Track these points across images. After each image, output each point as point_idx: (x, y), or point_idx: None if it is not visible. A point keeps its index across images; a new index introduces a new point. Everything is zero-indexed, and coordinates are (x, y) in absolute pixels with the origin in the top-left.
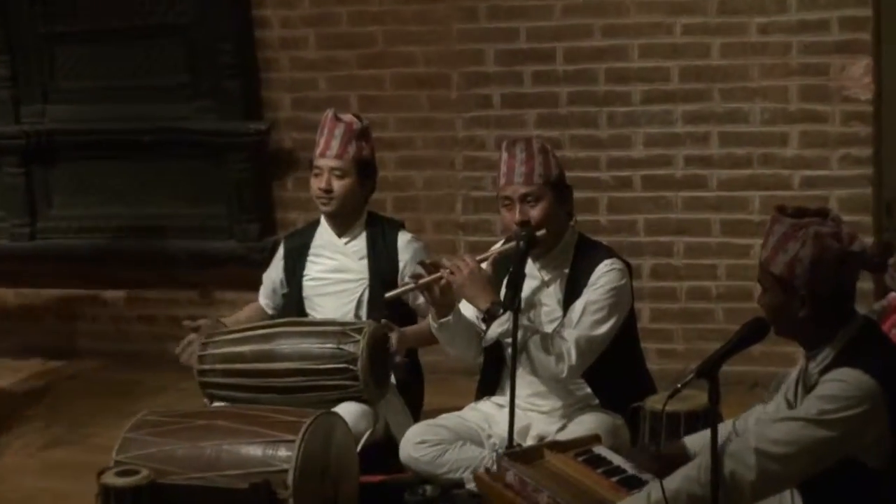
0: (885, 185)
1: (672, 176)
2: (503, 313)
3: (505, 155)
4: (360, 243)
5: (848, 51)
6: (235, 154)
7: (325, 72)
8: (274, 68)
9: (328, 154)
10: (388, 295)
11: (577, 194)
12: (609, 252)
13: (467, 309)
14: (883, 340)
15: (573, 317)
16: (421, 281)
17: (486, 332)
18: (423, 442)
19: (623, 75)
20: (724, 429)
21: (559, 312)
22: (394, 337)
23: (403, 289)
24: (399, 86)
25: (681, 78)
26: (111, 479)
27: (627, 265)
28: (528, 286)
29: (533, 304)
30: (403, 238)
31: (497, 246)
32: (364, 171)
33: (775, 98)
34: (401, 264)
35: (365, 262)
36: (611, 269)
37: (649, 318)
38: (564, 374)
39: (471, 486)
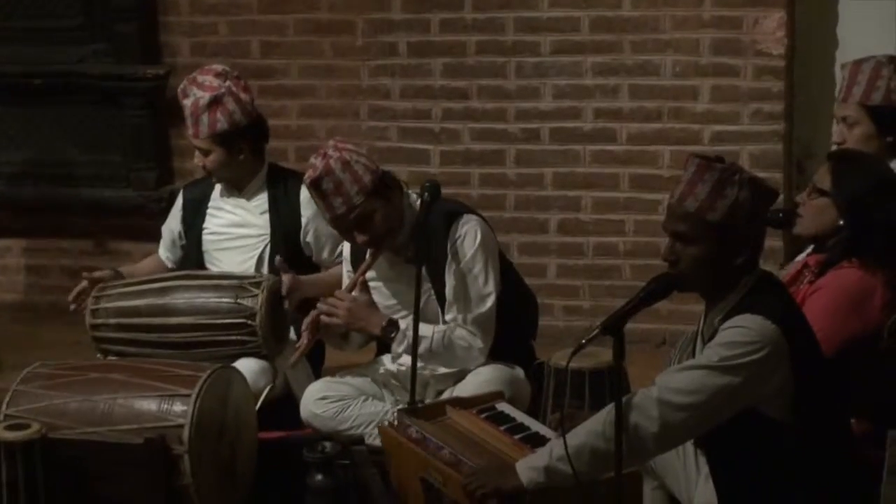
0: (797, 142)
1: (581, 129)
2: (394, 335)
3: (319, 187)
4: (261, 198)
5: (761, 4)
6: (132, 99)
7: (226, 16)
8: (173, 11)
9: (189, 132)
10: (291, 362)
11: (484, 146)
12: (454, 212)
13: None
14: (781, 289)
15: (456, 300)
16: (313, 337)
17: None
18: (324, 398)
19: (532, 25)
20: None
21: (428, 284)
22: (286, 279)
23: (301, 351)
24: (302, 31)
25: (591, 29)
26: (1, 433)
27: (476, 214)
28: (391, 271)
29: (401, 282)
30: (306, 192)
31: (363, 266)
32: (226, 140)
33: (687, 51)
34: (303, 220)
35: (266, 217)
36: (464, 233)
37: (556, 274)
38: (481, 358)
39: (371, 440)
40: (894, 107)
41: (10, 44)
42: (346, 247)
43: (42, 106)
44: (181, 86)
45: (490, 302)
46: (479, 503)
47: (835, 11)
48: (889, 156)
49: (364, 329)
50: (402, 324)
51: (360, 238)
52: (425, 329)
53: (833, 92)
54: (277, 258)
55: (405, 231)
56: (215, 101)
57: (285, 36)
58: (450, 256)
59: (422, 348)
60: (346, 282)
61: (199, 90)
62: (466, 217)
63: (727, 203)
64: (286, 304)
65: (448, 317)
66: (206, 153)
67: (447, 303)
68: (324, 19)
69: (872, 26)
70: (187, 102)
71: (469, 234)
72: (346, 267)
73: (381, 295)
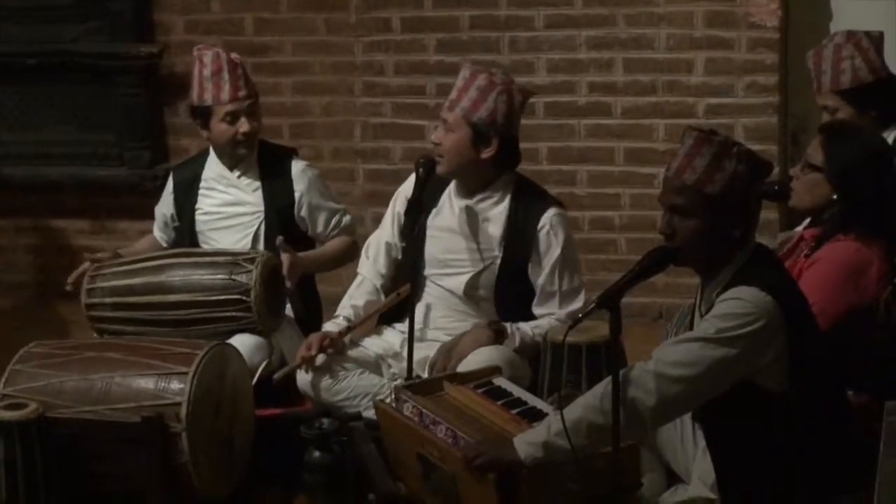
0: (791, 114)
1: (575, 103)
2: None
3: (459, 73)
4: (252, 174)
5: None
6: (126, 78)
7: None
8: None
9: (241, 95)
10: (276, 376)
11: None
12: (552, 199)
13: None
14: (775, 261)
15: (550, 295)
16: (306, 356)
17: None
18: (320, 368)
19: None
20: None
21: (496, 252)
22: (285, 259)
23: (291, 366)
24: (295, 8)
25: (584, 2)
26: None
27: (561, 204)
28: (454, 220)
29: (471, 240)
30: (297, 166)
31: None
32: (258, 101)
33: (681, 24)
34: (296, 194)
35: (259, 193)
36: (558, 225)
37: None
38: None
39: (368, 413)
40: (865, 83)
41: (3, 23)
42: (402, 192)
43: (36, 85)
44: (219, 51)
45: (581, 296)
46: (479, 474)
47: None
48: (879, 128)
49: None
50: (508, 328)
51: (433, 134)
52: (526, 326)
53: None
54: (279, 239)
55: (491, 188)
56: (242, 63)
57: (278, 13)
58: (540, 244)
59: (519, 342)
60: (388, 221)
61: (222, 52)
62: (558, 209)
63: (725, 176)
64: (287, 283)
65: (542, 310)
66: (254, 116)
67: (540, 294)
68: None
69: None
70: (238, 62)
71: (563, 228)
72: (400, 205)
73: (436, 246)
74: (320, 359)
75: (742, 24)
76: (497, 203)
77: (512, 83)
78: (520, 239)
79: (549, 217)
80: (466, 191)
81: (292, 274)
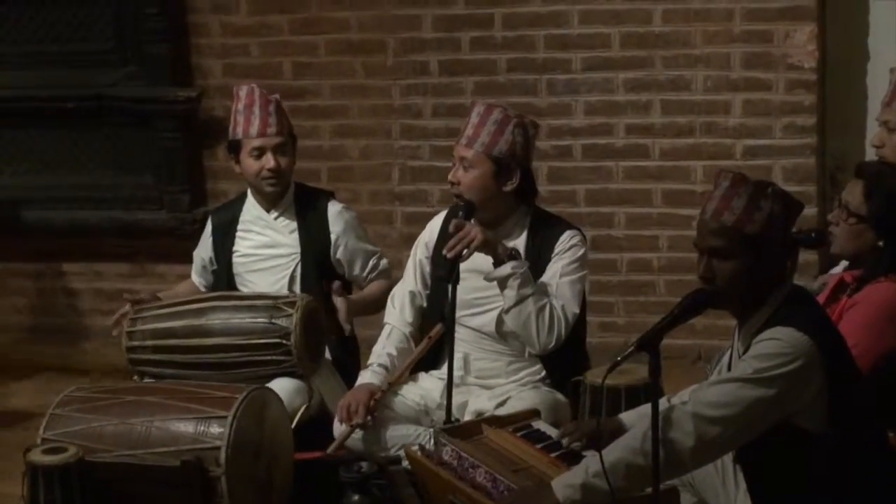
0: (829, 155)
1: (613, 145)
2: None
3: (471, 111)
4: (289, 216)
5: (792, 17)
6: (165, 122)
7: (257, 37)
8: (204, 33)
9: (269, 132)
10: (330, 450)
11: None
12: (569, 223)
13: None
14: (812, 301)
15: (551, 290)
16: (354, 424)
17: None
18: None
19: (563, 42)
20: (661, 405)
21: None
22: (341, 304)
23: (343, 435)
24: (333, 52)
25: (622, 45)
26: (38, 456)
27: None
28: (485, 258)
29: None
30: (333, 208)
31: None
32: (294, 142)
33: (718, 65)
34: (332, 236)
35: (296, 235)
36: (577, 243)
37: (590, 291)
38: (552, 346)
39: (407, 463)
40: None
41: (42, 68)
42: (421, 240)
43: (75, 129)
44: (254, 87)
45: (577, 308)
46: None
47: (866, 23)
48: None
49: None
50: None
51: (452, 174)
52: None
53: (865, 104)
54: (335, 283)
55: (507, 224)
56: (278, 102)
57: (316, 56)
58: (556, 250)
59: (529, 292)
60: (410, 271)
61: (257, 88)
62: (575, 231)
63: (763, 215)
64: (345, 326)
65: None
66: (284, 153)
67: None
68: (355, 39)
69: None
70: (272, 99)
71: (580, 246)
72: (421, 253)
73: (461, 287)
74: (369, 419)
75: (780, 66)
76: (515, 236)
77: (523, 116)
78: (541, 265)
79: (565, 236)
80: (485, 227)
81: (348, 319)
